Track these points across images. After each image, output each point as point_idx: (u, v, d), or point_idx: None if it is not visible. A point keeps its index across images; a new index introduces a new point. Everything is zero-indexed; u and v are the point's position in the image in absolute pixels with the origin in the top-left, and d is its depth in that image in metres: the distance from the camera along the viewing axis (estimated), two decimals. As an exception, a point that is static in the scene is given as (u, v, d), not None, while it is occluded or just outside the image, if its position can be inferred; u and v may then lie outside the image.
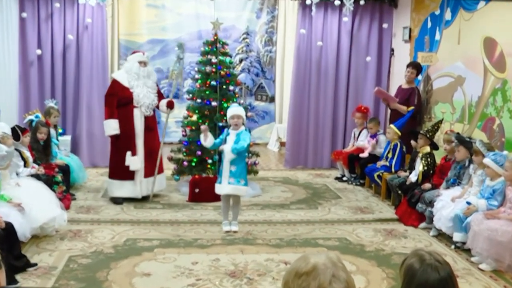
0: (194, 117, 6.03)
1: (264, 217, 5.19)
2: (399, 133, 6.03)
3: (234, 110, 4.55)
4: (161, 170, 5.74)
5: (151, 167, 5.58)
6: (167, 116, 5.69)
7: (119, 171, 5.45)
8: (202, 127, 4.59)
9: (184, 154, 6.04)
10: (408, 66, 6.49)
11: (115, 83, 5.47)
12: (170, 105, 5.59)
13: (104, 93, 5.59)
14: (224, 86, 5.99)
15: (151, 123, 5.61)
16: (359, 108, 7.08)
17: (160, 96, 5.69)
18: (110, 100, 5.43)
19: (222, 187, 4.54)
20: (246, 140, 4.51)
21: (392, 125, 6.13)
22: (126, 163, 5.40)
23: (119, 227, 4.72)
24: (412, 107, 6.27)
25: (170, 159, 6.12)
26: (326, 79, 7.72)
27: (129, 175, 5.46)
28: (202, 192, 5.61)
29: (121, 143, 5.42)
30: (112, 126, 5.38)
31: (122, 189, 5.48)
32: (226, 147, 4.50)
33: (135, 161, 5.43)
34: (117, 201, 5.49)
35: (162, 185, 5.82)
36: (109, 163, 5.66)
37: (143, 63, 5.52)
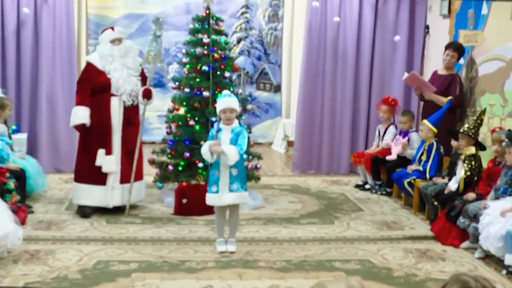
0: (181, 111, 6.03)
1: (268, 234, 5.18)
2: (435, 130, 6.01)
3: (226, 102, 4.54)
4: (139, 176, 5.73)
5: (130, 171, 5.59)
6: (144, 108, 5.68)
7: (88, 174, 5.47)
8: (214, 147, 4.44)
9: (169, 156, 6.04)
10: (447, 47, 6.47)
11: (89, 67, 5.52)
12: (147, 95, 5.59)
13: (70, 80, 5.62)
14: (219, 72, 5.98)
15: (132, 115, 5.62)
16: (386, 99, 7.07)
17: (144, 80, 5.70)
18: (82, 86, 5.48)
19: (223, 197, 4.52)
20: (244, 142, 4.51)
21: (425, 121, 6.12)
22: (98, 163, 5.41)
23: (87, 246, 4.70)
24: (450, 97, 6.25)
25: (152, 162, 6.12)
26: (345, 63, 7.72)
27: (100, 179, 5.47)
28: (191, 203, 5.60)
29: (93, 139, 5.45)
30: (79, 114, 5.40)
31: (91, 196, 5.48)
32: (230, 152, 4.39)
33: (109, 162, 5.43)
34: (85, 213, 5.50)
35: (140, 195, 5.83)
36: (75, 163, 5.67)
37: (116, 41, 5.54)
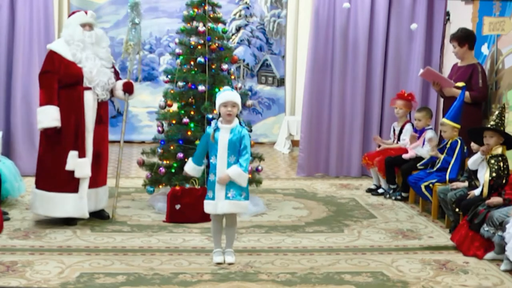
0: (174, 107, 6.03)
1: (270, 243, 5.18)
2: (457, 125, 5.98)
3: (228, 94, 4.53)
4: (105, 181, 5.70)
5: (99, 174, 5.55)
6: (126, 104, 5.66)
7: (56, 180, 5.36)
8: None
9: (161, 157, 6.05)
10: (451, 40, 6.53)
11: (53, 56, 5.38)
12: (128, 89, 5.57)
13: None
14: (216, 64, 5.99)
15: (104, 112, 5.58)
16: (401, 94, 7.07)
17: (116, 74, 5.67)
18: (47, 79, 5.34)
19: (218, 205, 4.50)
20: (247, 149, 4.49)
21: (444, 119, 6.09)
22: (69, 168, 5.33)
23: (70, 257, 4.69)
24: (463, 84, 6.22)
25: (141, 164, 6.13)
26: (356, 54, 7.73)
27: (71, 185, 5.37)
28: (185, 209, 5.61)
29: (62, 139, 5.34)
30: (51, 115, 5.28)
31: (63, 206, 5.37)
32: (238, 177, 4.42)
33: (83, 165, 5.34)
34: (68, 220, 5.46)
35: (104, 201, 5.74)
36: (37, 168, 5.52)
37: (87, 26, 5.45)
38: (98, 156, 5.53)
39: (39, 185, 5.45)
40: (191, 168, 4.69)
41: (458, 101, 5.99)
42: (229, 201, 4.46)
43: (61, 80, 5.34)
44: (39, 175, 5.49)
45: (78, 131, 5.37)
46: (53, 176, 5.37)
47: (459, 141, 5.99)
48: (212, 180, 4.54)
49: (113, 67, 5.64)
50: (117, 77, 5.65)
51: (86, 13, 5.54)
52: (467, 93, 6.23)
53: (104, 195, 5.73)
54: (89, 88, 5.40)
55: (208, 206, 4.56)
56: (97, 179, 5.57)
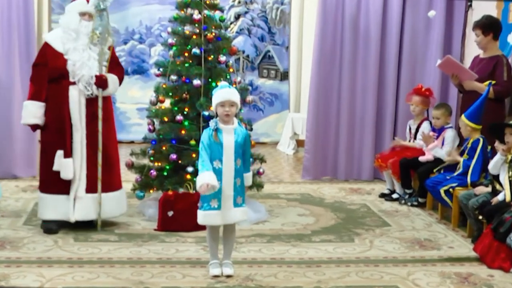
0: (167, 103, 6.01)
1: (273, 254, 5.17)
2: (474, 125, 5.96)
3: (225, 92, 4.50)
4: (118, 185, 5.71)
5: (106, 177, 5.54)
6: (100, 100, 5.54)
7: (50, 181, 5.46)
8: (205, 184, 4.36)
9: (152, 158, 6.05)
10: (474, 28, 6.50)
11: (46, 49, 5.48)
12: (100, 83, 5.49)
13: (28, 66, 5.60)
14: (212, 56, 5.97)
15: (97, 108, 5.54)
16: (418, 89, 7.05)
17: (116, 65, 5.70)
18: (38, 73, 5.44)
19: (228, 214, 4.48)
20: (249, 150, 4.55)
21: (462, 116, 6.08)
22: (55, 168, 5.40)
23: (50, 270, 4.67)
24: (489, 81, 6.19)
25: (130, 166, 6.12)
26: (367, 45, 7.73)
27: (62, 187, 5.44)
28: (179, 216, 5.60)
29: (52, 138, 5.43)
30: (33, 112, 5.39)
31: (55, 208, 5.46)
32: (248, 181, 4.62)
33: (66, 166, 5.38)
34: (49, 228, 5.48)
35: (121, 207, 5.75)
36: (39, 170, 5.67)
37: (87, 15, 5.48)
38: (102, 156, 5.51)
39: (39, 186, 5.61)
40: (212, 177, 4.37)
41: (480, 99, 5.96)
42: (239, 209, 4.52)
43: (49, 74, 5.42)
44: (39, 176, 5.65)
45: (64, 129, 5.42)
46: (44, 177, 5.52)
47: (481, 140, 5.95)
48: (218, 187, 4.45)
49: (113, 57, 5.65)
50: (116, 70, 5.64)
51: (88, 1, 5.54)
52: (490, 88, 6.20)
53: (114, 201, 5.66)
54: (74, 83, 5.43)
55: (213, 218, 4.48)
56: (103, 183, 5.52)
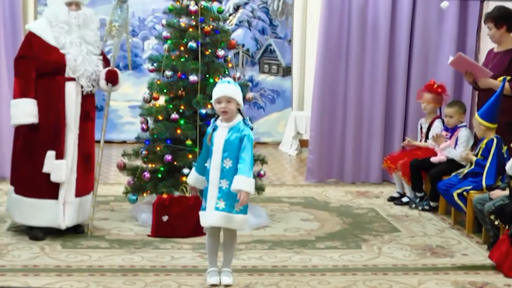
0: (161, 100, 6.02)
1: (275, 261, 5.18)
2: (488, 124, 5.97)
3: (221, 88, 4.52)
4: (92, 187, 5.72)
5: (88, 180, 5.58)
6: (108, 97, 5.65)
7: (34, 184, 5.40)
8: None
9: (145, 159, 6.05)
10: (485, 21, 6.51)
11: (32, 40, 5.41)
12: (112, 79, 5.56)
13: (15, 55, 5.54)
14: (210, 50, 5.98)
15: (90, 107, 5.60)
16: (430, 86, 7.06)
17: (106, 61, 5.70)
18: (23, 66, 5.36)
19: (207, 216, 4.51)
20: (248, 151, 4.43)
21: (476, 115, 6.11)
22: (46, 170, 5.36)
23: (37, 279, 4.68)
24: (504, 77, 6.19)
25: (122, 167, 6.13)
26: (375, 39, 7.73)
27: (49, 191, 5.41)
28: (174, 221, 5.60)
29: (40, 138, 5.38)
30: (26, 110, 5.31)
31: (40, 214, 5.41)
32: (249, 186, 4.35)
33: (59, 168, 5.37)
34: (35, 235, 5.48)
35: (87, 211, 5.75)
36: (11, 169, 5.59)
37: (74, 5, 5.45)
38: (87, 158, 5.56)
39: (16, 189, 5.51)
40: (193, 178, 4.66)
41: (495, 96, 5.98)
42: (217, 213, 4.42)
43: (39, 68, 5.35)
44: (15, 179, 5.55)
45: (57, 128, 5.40)
46: (30, 180, 5.42)
47: (495, 140, 5.97)
48: (205, 187, 4.53)
49: (102, 53, 5.67)
50: (106, 65, 5.65)
51: None
52: (506, 84, 6.23)
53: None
54: (72, 79, 5.40)
55: (201, 217, 4.58)
56: (86, 185, 5.58)
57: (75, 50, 5.38)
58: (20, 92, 5.36)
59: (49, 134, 5.40)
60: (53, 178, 5.37)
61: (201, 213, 4.58)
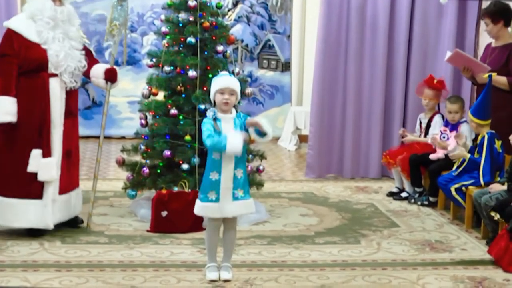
0: (160, 96, 6.02)
1: (274, 256, 5.18)
2: (478, 121, 5.97)
3: (225, 80, 4.53)
4: (76, 183, 5.71)
5: (72, 176, 5.55)
6: (107, 94, 5.63)
7: (16, 184, 5.32)
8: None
9: (144, 155, 6.05)
10: (482, 16, 6.52)
11: (12, 37, 5.31)
12: (110, 76, 5.55)
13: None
14: (209, 46, 5.98)
15: (73, 103, 5.56)
16: (430, 81, 7.05)
17: (90, 57, 5.64)
18: (3, 64, 5.27)
19: (225, 207, 4.50)
20: None
21: (469, 112, 6.12)
22: (31, 169, 5.29)
23: (36, 274, 4.67)
24: (489, 74, 6.14)
25: (121, 163, 6.13)
26: (374, 34, 7.73)
27: (32, 190, 5.33)
28: (173, 217, 5.61)
29: (22, 136, 5.30)
30: (5, 108, 5.22)
31: (24, 215, 5.33)
32: (267, 129, 4.53)
33: (48, 166, 5.31)
34: (33, 231, 5.44)
35: (78, 207, 5.74)
36: None
37: (57, 0, 5.38)
38: (69, 155, 5.52)
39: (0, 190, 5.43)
40: (236, 137, 4.42)
41: (484, 93, 5.97)
42: (239, 202, 4.51)
43: (21, 66, 5.29)
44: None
45: (42, 126, 5.34)
46: (12, 179, 5.34)
47: (486, 137, 5.97)
48: (216, 179, 4.49)
49: (85, 48, 5.62)
50: (91, 59, 5.62)
51: None
52: (503, 79, 6.26)
53: (78, 199, 5.73)
54: (55, 75, 5.36)
55: (211, 210, 4.52)
56: (70, 182, 5.57)
57: (57, 46, 5.31)
58: (1, 90, 5.27)
59: (33, 132, 5.32)
60: (41, 177, 5.30)
61: (206, 204, 4.51)
